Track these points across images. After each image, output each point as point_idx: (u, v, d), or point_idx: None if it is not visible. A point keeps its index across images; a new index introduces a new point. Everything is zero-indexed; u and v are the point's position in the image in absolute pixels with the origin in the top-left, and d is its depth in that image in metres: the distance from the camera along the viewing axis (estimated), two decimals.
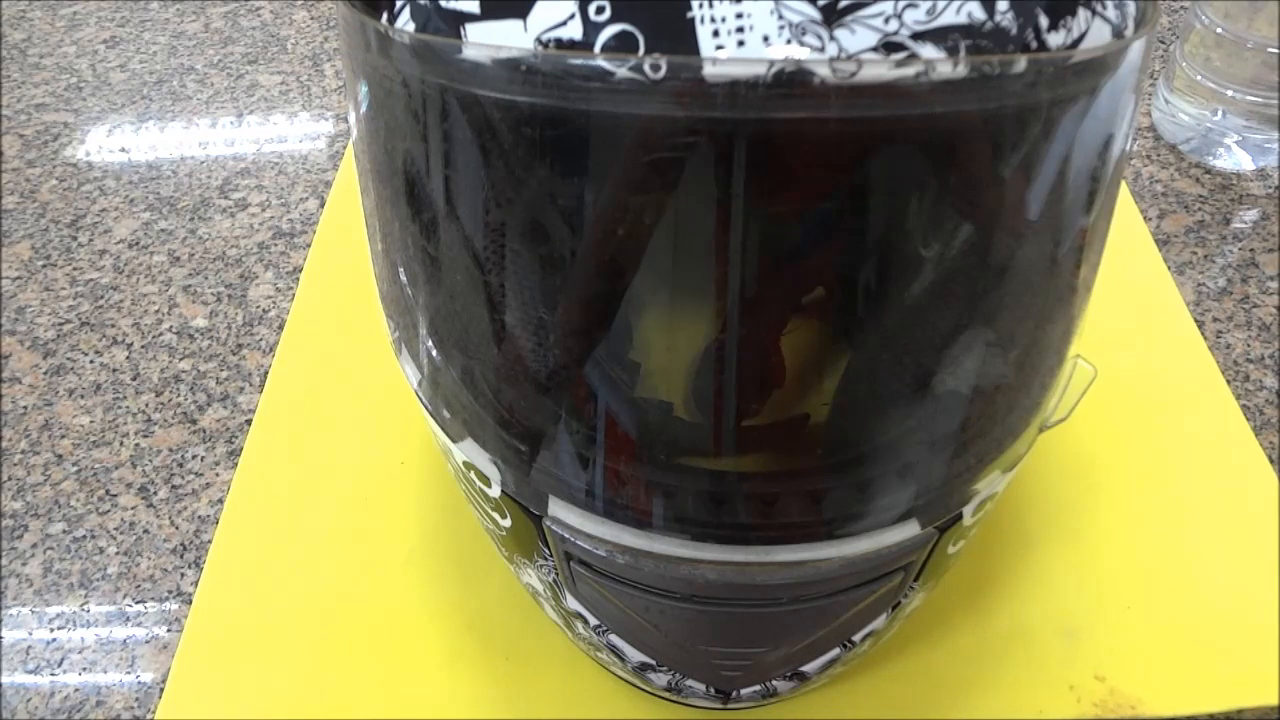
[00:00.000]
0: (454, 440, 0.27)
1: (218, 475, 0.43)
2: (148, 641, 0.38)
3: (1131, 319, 0.46)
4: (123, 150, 0.62)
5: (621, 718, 0.34)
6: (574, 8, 0.19)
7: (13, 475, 0.44)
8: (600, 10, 0.19)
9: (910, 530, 0.25)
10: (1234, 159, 0.54)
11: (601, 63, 0.18)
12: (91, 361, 0.49)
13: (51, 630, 0.38)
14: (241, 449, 0.43)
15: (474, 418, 0.27)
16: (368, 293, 0.30)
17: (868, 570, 0.26)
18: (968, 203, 0.22)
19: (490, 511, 0.29)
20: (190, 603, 0.38)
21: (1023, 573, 0.37)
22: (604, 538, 0.25)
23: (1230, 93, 0.52)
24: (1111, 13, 0.21)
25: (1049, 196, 0.22)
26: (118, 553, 0.41)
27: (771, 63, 0.17)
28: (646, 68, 0.18)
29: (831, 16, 0.18)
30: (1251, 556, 0.37)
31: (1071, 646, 0.35)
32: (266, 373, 0.46)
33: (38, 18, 0.75)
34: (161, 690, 0.36)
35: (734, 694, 0.31)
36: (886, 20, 0.18)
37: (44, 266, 0.54)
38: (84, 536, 0.41)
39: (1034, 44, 0.20)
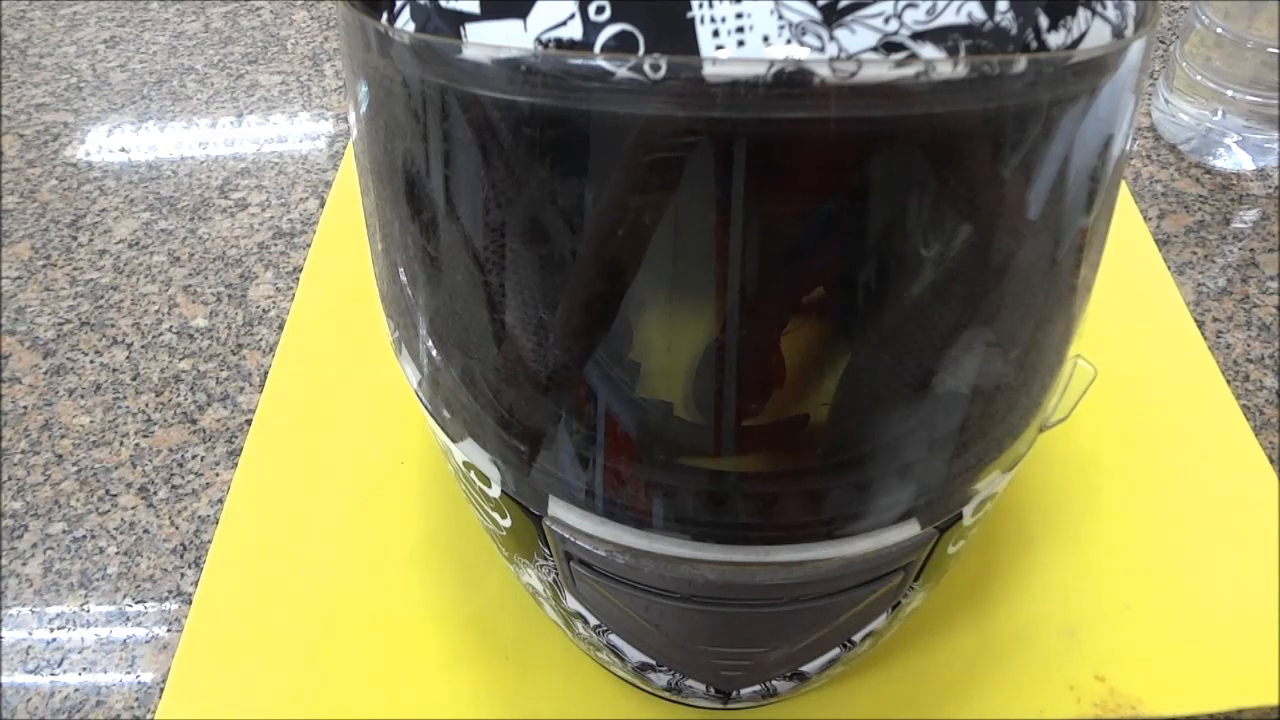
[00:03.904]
0: (454, 440, 0.27)
1: (218, 475, 0.43)
2: (148, 641, 0.38)
3: (1131, 319, 0.46)
4: (123, 150, 0.62)
5: (621, 718, 0.34)
6: (574, 8, 0.19)
7: (13, 475, 0.44)
8: (600, 10, 0.19)
9: (910, 530, 0.25)
10: (1234, 159, 0.54)
11: (601, 63, 0.18)
12: (91, 361, 0.49)
13: (51, 630, 0.38)
14: (241, 449, 0.43)
15: (474, 418, 0.27)
16: (368, 293, 0.30)
17: (868, 570, 0.26)
18: (968, 203, 0.22)
19: (490, 511, 0.29)
20: (190, 603, 0.38)
21: (1023, 573, 0.37)
22: (604, 538, 0.25)
23: (1230, 93, 0.52)
24: (1111, 13, 0.21)
25: (1049, 196, 0.22)
26: (118, 553, 0.41)
27: (771, 63, 0.17)
28: (646, 68, 0.18)
29: (831, 16, 0.18)
30: (1251, 556, 0.37)
31: (1071, 646, 0.35)
32: (266, 373, 0.46)
33: (38, 18, 0.75)
34: (161, 690, 0.36)
35: (734, 694, 0.31)
36: (886, 20, 0.18)
37: (44, 266, 0.54)
38: (84, 536, 0.41)
39: (1034, 44, 0.20)
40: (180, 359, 0.48)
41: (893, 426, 0.25)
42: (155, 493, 0.43)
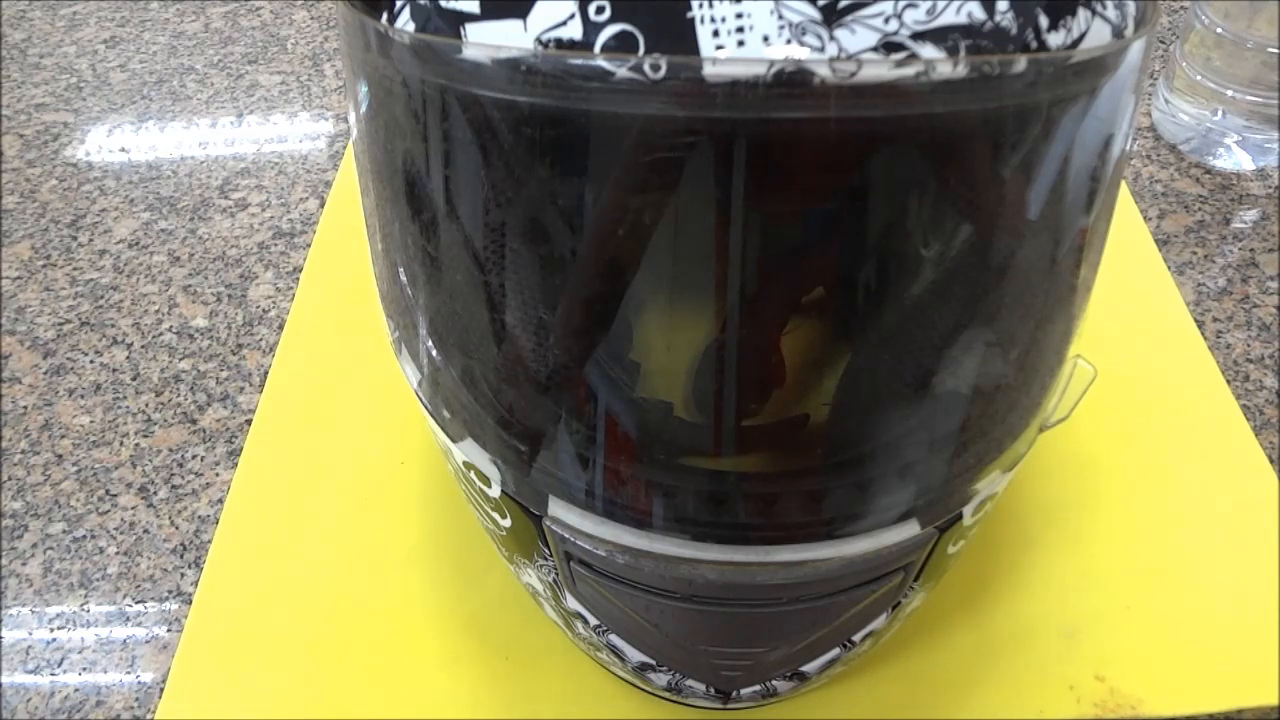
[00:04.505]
0: (454, 440, 0.27)
1: (218, 475, 0.43)
2: (148, 641, 0.38)
3: (1131, 319, 0.46)
4: (123, 150, 0.62)
5: (621, 718, 0.34)
6: (574, 8, 0.19)
7: (13, 475, 0.44)
8: (600, 10, 0.19)
9: (910, 530, 0.25)
10: (1234, 159, 0.54)
11: (601, 63, 0.18)
12: (91, 361, 0.49)
13: (51, 630, 0.38)
14: (241, 449, 0.43)
15: (474, 418, 0.27)
16: (368, 293, 0.30)
17: (868, 570, 0.26)
18: (968, 203, 0.22)
19: (490, 511, 0.29)
20: (190, 603, 0.38)
21: (1023, 573, 0.37)
22: (604, 538, 0.25)
23: (1230, 93, 0.52)
24: (1111, 13, 0.21)
25: (1049, 196, 0.22)
26: (118, 553, 0.41)
27: (771, 63, 0.18)
28: (646, 68, 0.18)
29: (831, 16, 0.18)
30: (1251, 556, 0.37)
31: (1071, 646, 0.35)
32: (266, 373, 0.46)
33: (38, 18, 0.75)
34: (161, 690, 0.36)
35: (734, 694, 0.31)
36: (886, 20, 0.18)
37: (44, 266, 0.54)
38: (84, 536, 0.41)
39: (1034, 44, 0.20)
40: (180, 359, 0.48)
41: (893, 426, 0.25)
42: (155, 493, 0.43)
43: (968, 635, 0.36)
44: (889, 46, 0.18)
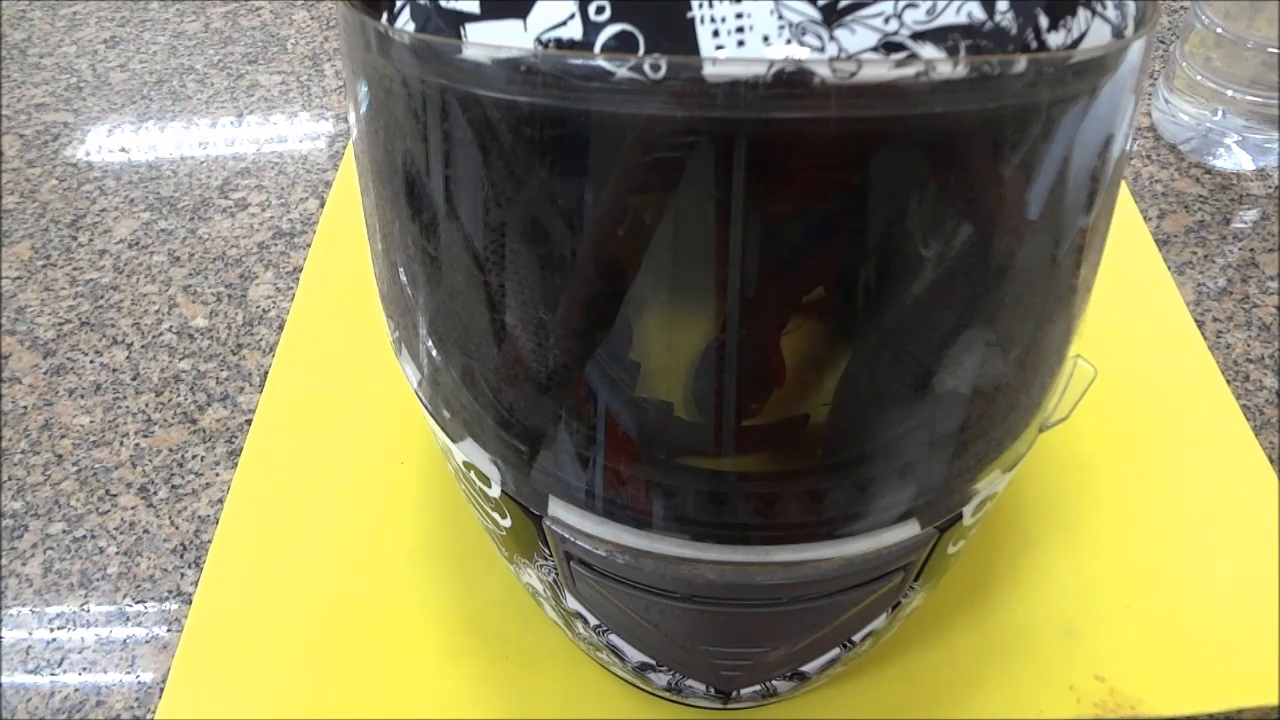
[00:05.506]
0: (454, 440, 0.27)
1: (218, 475, 0.43)
2: (148, 641, 0.38)
3: (1131, 319, 0.46)
4: (123, 150, 0.62)
5: (621, 718, 0.34)
6: (574, 8, 0.19)
7: (13, 475, 0.44)
8: (600, 10, 0.19)
9: (910, 530, 0.25)
10: (1234, 159, 0.54)
11: (601, 63, 0.18)
12: (91, 361, 0.49)
13: (51, 630, 0.38)
14: (241, 449, 0.43)
15: (474, 418, 0.27)
16: (368, 293, 0.30)
17: (868, 570, 0.26)
18: (968, 203, 0.22)
19: (490, 511, 0.29)
20: (190, 603, 0.38)
21: (1023, 573, 0.37)
22: (604, 538, 0.25)
23: (1230, 93, 0.52)
24: (1111, 13, 0.21)
25: (1049, 196, 0.22)
26: (118, 553, 0.41)
27: (771, 63, 0.18)
28: (646, 68, 0.18)
29: (831, 16, 0.18)
30: (1251, 556, 0.37)
31: (1071, 646, 0.35)
32: (266, 373, 0.46)
33: (38, 18, 0.75)
34: (161, 690, 0.36)
35: (734, 694, 0.31)
36: (886, 20, 0.18)
37: (44, 266, 0.54)
38: (84, 536, 0.41)
39: (1034, 44, 0.20)
40: (180, 359, 0.48)
41: (893, 426, 0.25)
42: (155, 493, 0.43)
43: (968, 635, 0.36)
44: (889, 46, 0.18)
